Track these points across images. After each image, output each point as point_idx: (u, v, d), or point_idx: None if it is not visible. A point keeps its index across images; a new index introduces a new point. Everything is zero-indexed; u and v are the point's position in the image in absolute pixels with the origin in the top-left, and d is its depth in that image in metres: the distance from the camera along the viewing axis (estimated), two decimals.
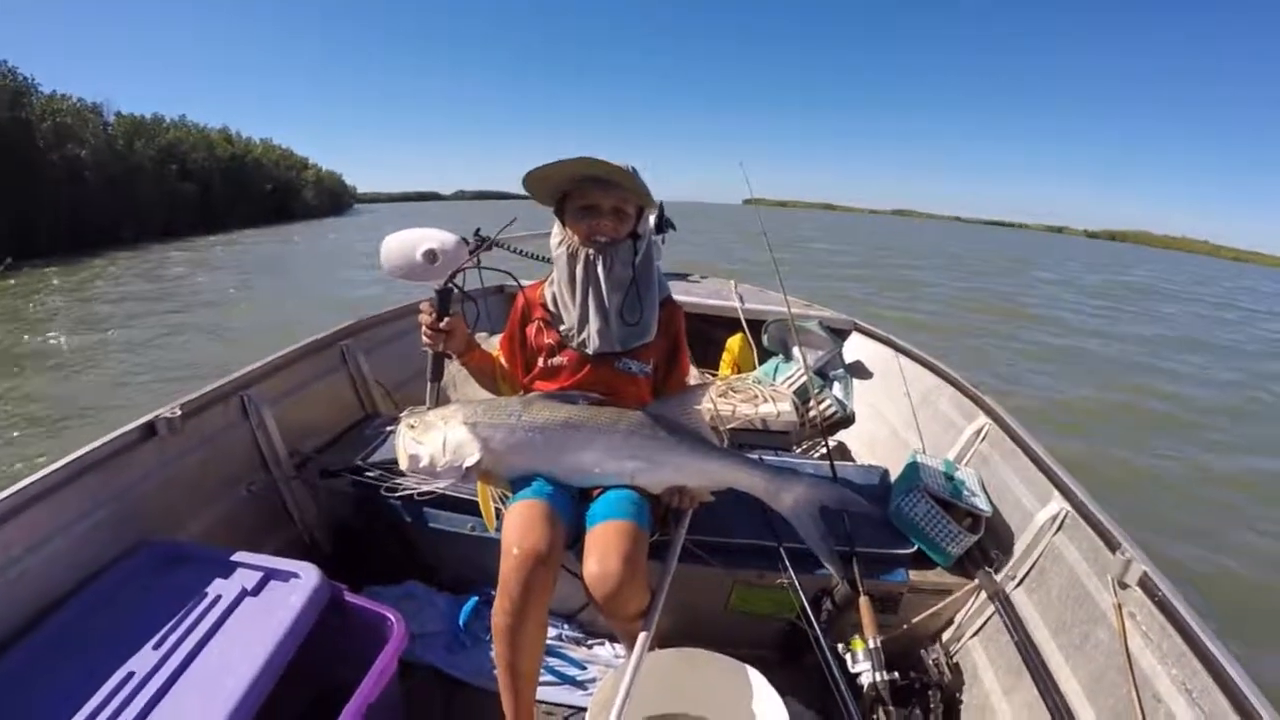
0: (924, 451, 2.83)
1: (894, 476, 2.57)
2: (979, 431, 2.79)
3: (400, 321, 3.64)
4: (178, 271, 19.25)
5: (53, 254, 20.22)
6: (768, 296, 4.74)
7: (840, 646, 1.98)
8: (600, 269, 1.95)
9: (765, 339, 4.04)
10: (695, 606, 2.16)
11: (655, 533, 1.93)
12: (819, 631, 1.96)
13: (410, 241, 2.24)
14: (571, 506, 1.88)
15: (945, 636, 2.29)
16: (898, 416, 3.39)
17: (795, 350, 3.53)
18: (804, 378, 3.37)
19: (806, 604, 2.02)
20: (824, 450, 2.86)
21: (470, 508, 2.20)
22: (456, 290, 2.22)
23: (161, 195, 32.42)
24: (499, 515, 1.81)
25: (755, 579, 2.19)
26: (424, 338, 2.02)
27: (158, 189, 32.26)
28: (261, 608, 1.70)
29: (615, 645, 2.25)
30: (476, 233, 2.77)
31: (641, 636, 1.68)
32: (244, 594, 1.73)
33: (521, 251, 3.25)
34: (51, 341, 10.58)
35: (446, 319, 2.04)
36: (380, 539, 2.32)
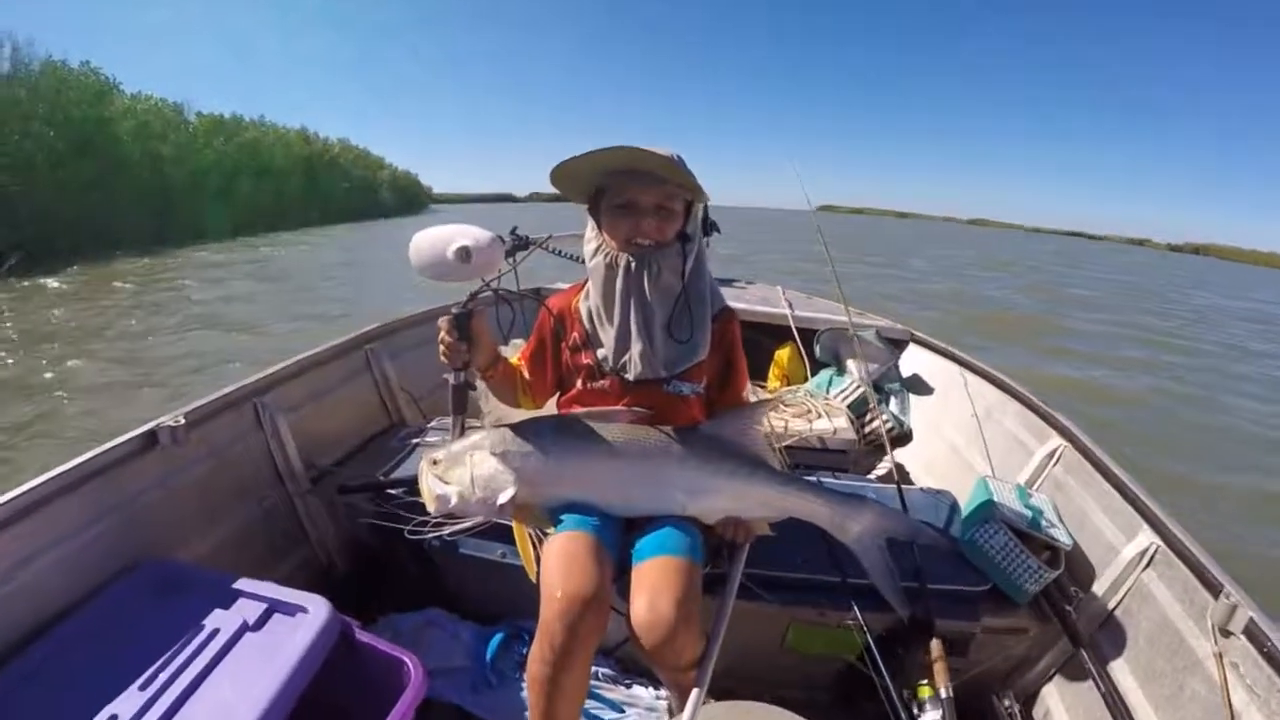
0: (992, 475, 2.52)
1: (961, 502, 2.29)
2: (1052, 454, 2.50)
3: (430, 325, 3.33)
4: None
5: (134, 247, 20.36)
6: (817, 304, 4.40)
7: (905, 693, 1.74)
8: (645, 280, 1.67)
9: (817, 349, 3.74)
10: (746, 645, 1.90)
11: (709, 565, 1.68)
12: (887, 678, 1.71)
13: (442, 238, 2.00)
14: (618, 536, 1.65)
15: (1019, 683, 2.04)
16: (959, 435, 3.08)
17: (850, 363, 3.26)
18: (859, 391, 3.10)
19: (873, 645, 1.76)
20: (882, 471, 2.60)
21: (502, 533, 1.95)
22: (491, 294, 1.97)
23: (238, 193, 32.35)
24: (537, 551, 1.58)
25: (815, 617, 1.93)
26: (442, 357, 1.73)
27: (234, 187, 32.19)
28: (263, 644, 1.48)
29: (656, 686, 1.98)
30: (513, 231, 2.53)
31: (695, 694, 1.43)
32: (244, 628, 1.51)
33: (563, 254, 2.99)
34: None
35: (466, 345, 1.69)
36: (401, 563, 2.08)
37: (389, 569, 2.13)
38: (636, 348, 1.70)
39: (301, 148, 45.53)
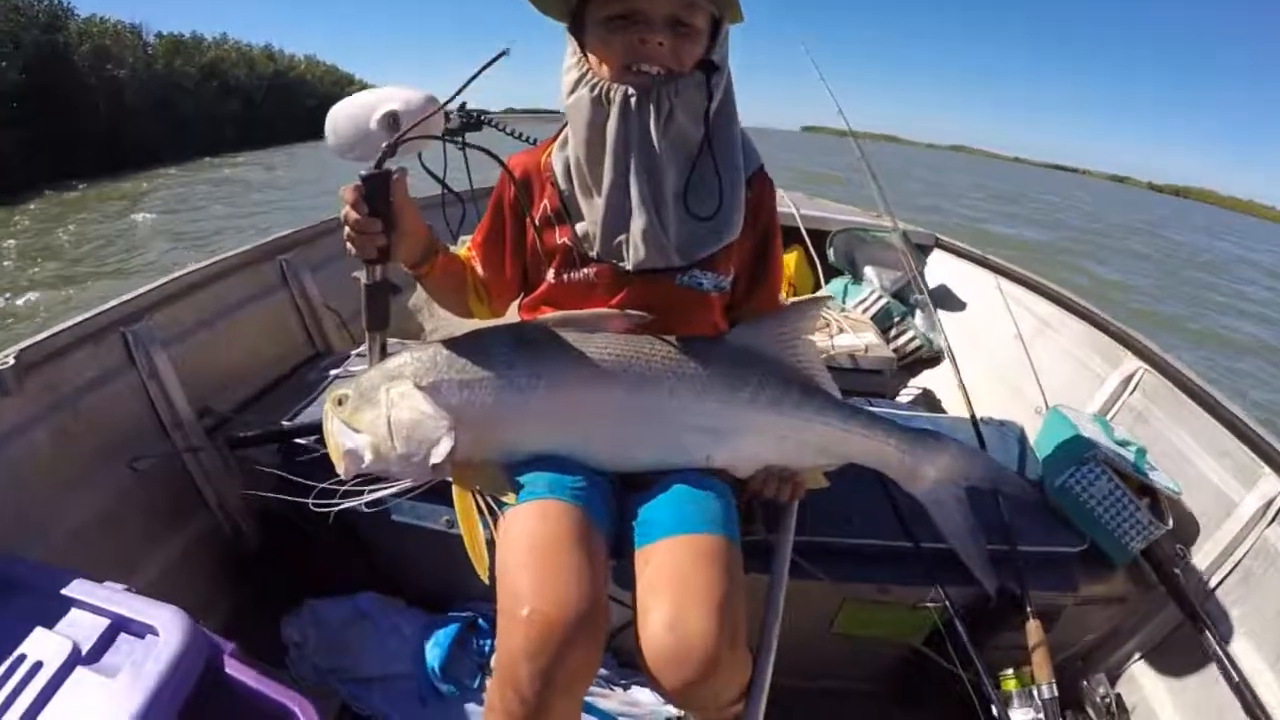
0: (1045, 405, 2.05)
1: (1032, 438, 1.83)
2: (1129, 379, 2.05)
3: None
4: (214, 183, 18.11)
5: (96, 175, 18.95)
6: (824, 204, 3.79)
7: (984, 685, 1.38)
8: (651, 124, 1.13)
9: (830, 253, 3.19)
10: (782, 631, 1.43)
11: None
12: (980, 669, 1.34)
13: (364, 105, 1.45)
14: (611, 503, 1.16)
15: (1108, 661, 1.66)
16: (1002, 357, 2.55)
17: (869, 270, 2.75)
18: (881, 302, 2.61)
19: (959, 626, 1.38)
20: (909, 397, 2.14)
21: (446, 492, 1.45)
22: (427, 174, 1.41)
23: (203, 114, 30.98)
24: (490, 533, 1.08)
25: (876, 595, 1.48)
26: (348, 244, 1.16)
27: (199, 108, 30.81)
28: (96, 683, 0.97)
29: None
30: (462, 107, 1.97)
31: None
32: (75, 659, 0.99)
33: (522, 136, 2.41)
34: None
35: (381, 224, 1.12)
36: (320, 535, 1.54)
37: (310, 539, 1.64)
38: (638, 223, 1.16)
39: (265, 65, 43.19)
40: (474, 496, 1.08)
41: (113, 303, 1.69)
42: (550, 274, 1.28)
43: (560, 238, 1.25)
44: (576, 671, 0.94)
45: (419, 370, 1.12)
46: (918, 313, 2.84)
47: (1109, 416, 2.03)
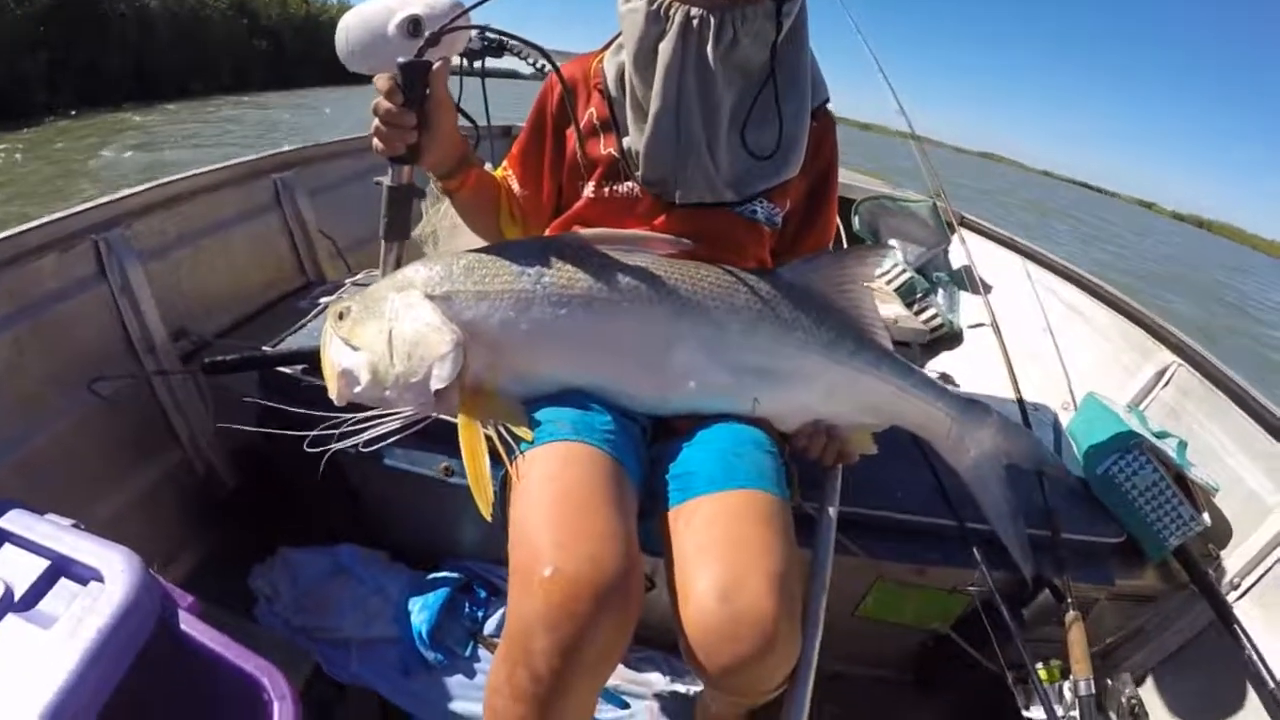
0: (1072, 393, 1.94)
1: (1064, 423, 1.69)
2: (1162, 373, 1.92)
3: (363, 157, 2.49)
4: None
5: (123, 101, 18.59)
6: (848, 173, 3.46)
7: (1010, 675, 1.29)
8: (710, 51, 1.00)
9: (855, 221, 2.99)
10: None
11: None
12: (1024, 658, 1.23)
13: (382, 9, 1.27)
14: (641, 452, 1.00)
15: (1132, 659, 1.53)
16: (1026, 341, 2.37)
17: (894, 243, 2.59)
18: (905, 276, 2.46)
19: (1004, 611, 1.24)
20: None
21: (447, 436, 1.27)
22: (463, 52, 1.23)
23: (232, 51, 29.81)
24: (502, 481, 0.92)
25: (912, 575, 1.33)
26: (375, 140, 1.00)
27: (228, 45, 29.57)
28: (28, 634, 0.79)
29: (675, 665, 1.35)
30: (483, 32, 1.77)
31: None
32: (5, 603, 0.81)
33: (545, 70, 2.20)
34: None
35: (415, 119, 0.98)
36: (301, 476, 1.37)
37: (287, 483, 1.45)
38: (687, 157, 1.02)
39: (299, 6, 41.28)
40: (483, 429, 0.91)
41: (86, 205, 1.47)
42: (589, 187, 1.13)
43: (605, 148, 1.10)
44: (605, 648, 0.78)
45: (431, 279, 0.96)
46: (940, 291, 2.70)
47: (1142, 410, 1.88)
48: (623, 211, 1.11)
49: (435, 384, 0.91)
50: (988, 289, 2.56)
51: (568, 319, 0.95)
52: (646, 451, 1.03)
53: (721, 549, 0.84)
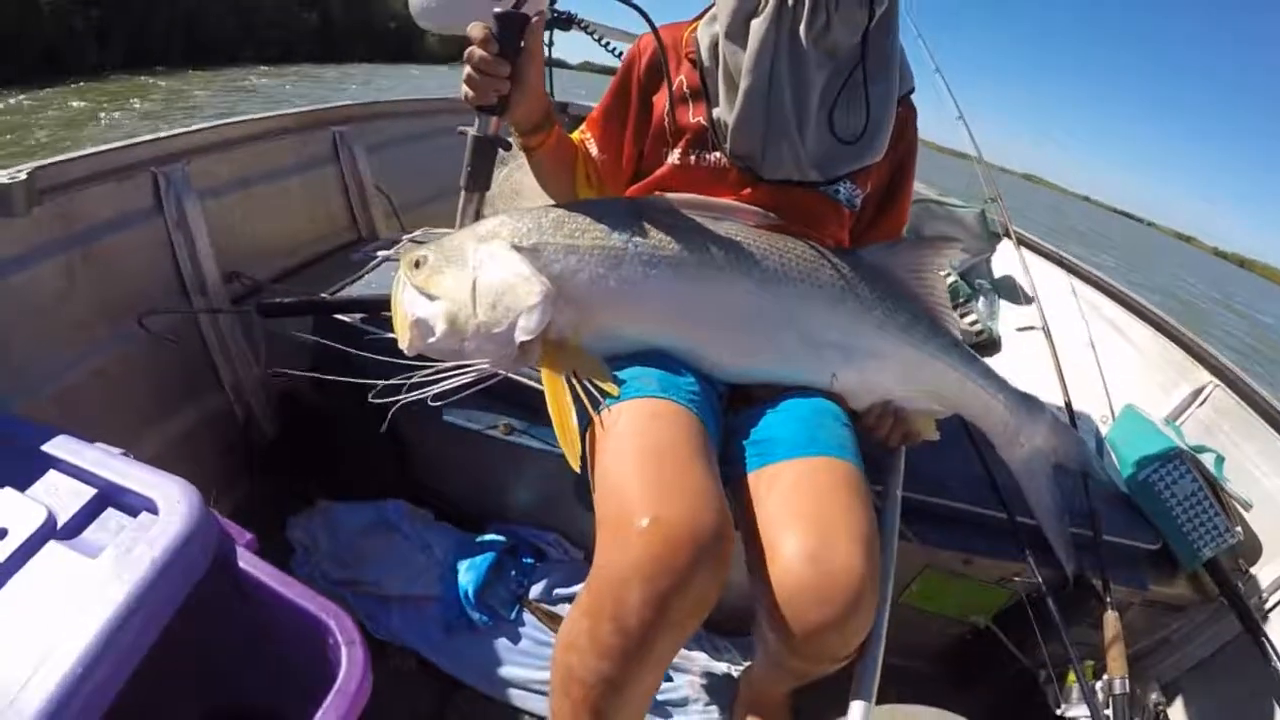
0: (1110, 407, 1.92)
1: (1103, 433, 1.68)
2: (1198, 392, 1.90)
3: (425, 119, 2.41)
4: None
5: (164, 64, 18.54)
6: None
7: (1042, 675, 1.32)
8: (804, 30, 0.98)
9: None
10: None
11: None
12: (1072, 651, 1.21)
13: None
14: (718, 417, 0.96)
15: (1157, 669, 1.52)
16: (1065, 355, 2.19)
17: None
18: (949, 280, 2.40)
19: (1050, 605, 1.24)
20: None
21: (508, 395, 1.21)
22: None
23: (282, 22, 29.66)
24: (586, 436, 0.87)
25: (959, 565, 1.29)
26: (465, 88, 0.97)
27: (279, 16, 29.40)
28: (73, 565, 0.71)
29: (722, 636, 1.31)
30: (552, 3, 1.71)
31: (860, 710, 0.80)
32: (48, 531, 0.73)
33: (614, 49, 2.13)
34: None
35: (509, 70, 0.96)
36: (351, 427, 1.30)
37: (333, 436, 1.40)
38: (775, 134, 1.01)
39: None
40: (568, 380, 0.85)
41: (146, 137, 1.38)
42: (675, 155, 1.08)
43: (695, 116, 1.06)
44: (697, 603, 0.73)
45: (519, 230, 0.89)
46: (981, 298, 2.63)
47: (1177, 425, 1.85)
48: (708, 181, 1.07)
49: (520, 335, 0.84)
50: (1030, 299, 2.53)
51: (657, 280, 0.91)
52: (723, 418, 0.98)
53: (810, 511, 0.81)
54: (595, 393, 0.85)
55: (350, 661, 0.70)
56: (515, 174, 1.87)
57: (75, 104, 10.93)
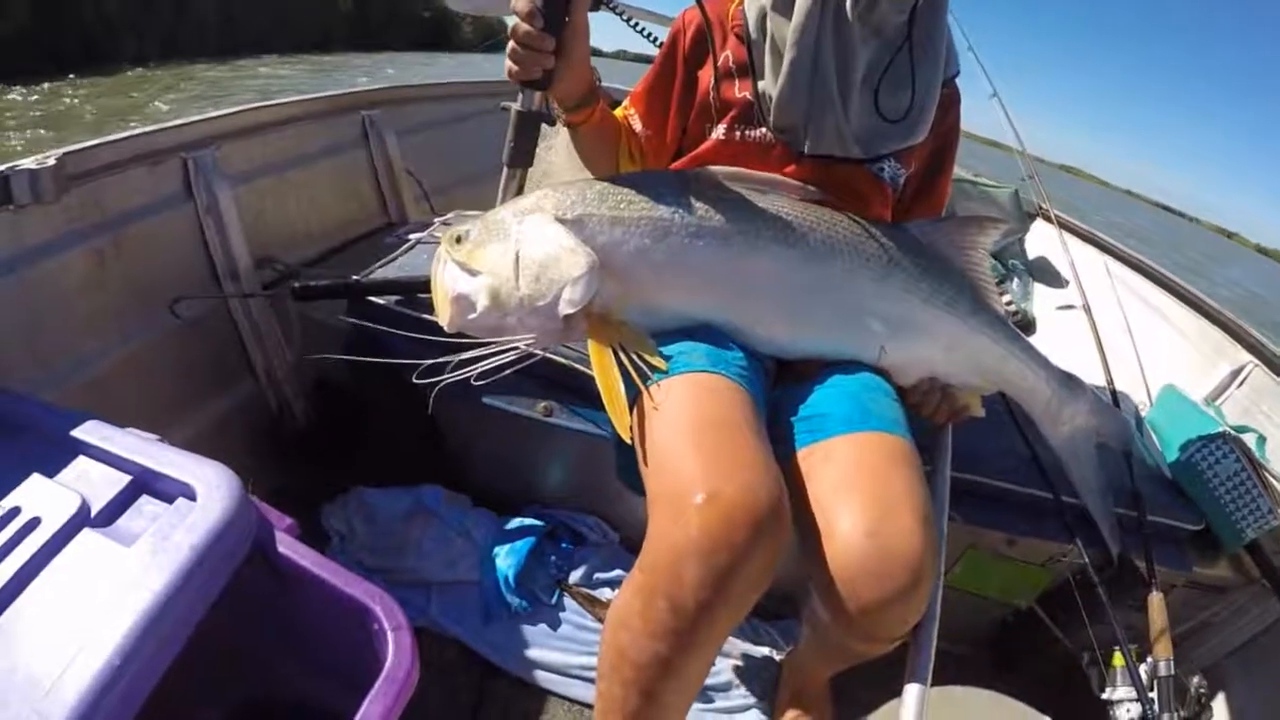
0: (1147, 388, 1.87)
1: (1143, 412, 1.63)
2: (1237, 372, 1.85)
3: (455, 103, 2.35)
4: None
5: (202, 55, 18.02)
6: None
7: (1085, 657, 1.24)
8: (849, 4, 0.95)
9: None
10: None
11: None
12: (1120, 632, 1.18)
13: None
14: (766, 393, 0.93)
15: (1195, 653, 1.48)
16: (1101, 335, 2.13)
17: None
18: None
19: (1098, 583, 1.20)
20: None
21: (546, 377, 1.16)
22: None
23: (314, 10, 29.07)
24: (633, 411, 0.82)
25: (1003, 545, 1.26)
26: (509, 63, 0.93)
27: (313, 4, 28.73)
28: (107, 551, 0.67)
29: (764, 620, 1.27)
30: None
31: (916, 694, 0.77)
32: (81, 519, 0.69)
33: (648, 34, 2.06)
34: None
35: (555, 43, 0.91)
36: (386, 412, 1.27)
37: (368, 420, 1.37)
38: (819, 109, 0.98)
39: None
40: (614, 352, 0.81)
41: (177, 122, 1.34)
42: (720, 130, 1.03)
43: (740, 91, 1.02)
44: (754, 580, 0.70)
45: (563, 203, 0.84)
46: (1015, 279, 2.55)
47: (1217, 405, 1.81)
48: (754, 156, 1.02)
49: (565, 308, 0.79)
50: (1065, 280, 2.46)
51: (705, 252, 0.86)
52: (770, 393, 0.94)
53: (867, 486, 0.77)
54: (644, 367, 0.81)
55: (398, 647, 0.66)
56: (545, 156, 1.83)
57: (112, 97, 10.84)
